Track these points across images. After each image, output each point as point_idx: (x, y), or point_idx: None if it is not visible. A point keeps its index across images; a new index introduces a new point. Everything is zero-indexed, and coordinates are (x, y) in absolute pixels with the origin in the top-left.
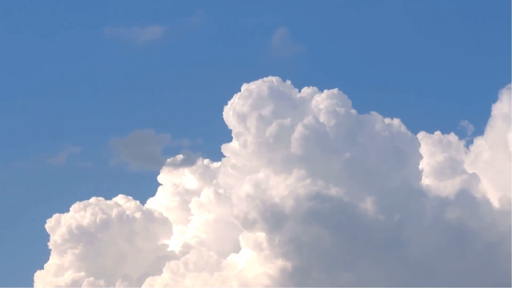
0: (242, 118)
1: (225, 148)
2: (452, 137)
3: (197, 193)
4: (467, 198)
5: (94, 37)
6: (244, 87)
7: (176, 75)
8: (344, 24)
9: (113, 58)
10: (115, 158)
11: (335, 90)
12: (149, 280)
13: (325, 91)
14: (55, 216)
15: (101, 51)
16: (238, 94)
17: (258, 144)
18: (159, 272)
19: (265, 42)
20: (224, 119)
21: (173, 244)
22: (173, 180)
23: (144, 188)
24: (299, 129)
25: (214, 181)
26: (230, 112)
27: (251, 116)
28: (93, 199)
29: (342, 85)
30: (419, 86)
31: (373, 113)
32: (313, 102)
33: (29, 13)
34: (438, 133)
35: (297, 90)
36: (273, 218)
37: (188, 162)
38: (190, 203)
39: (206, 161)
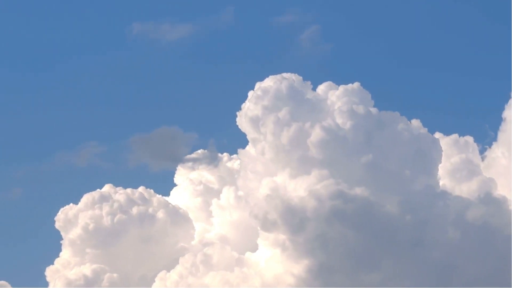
0: (256, 122)
1: (242, 153)
2: (468, 138)
3: (216, 192)
4: (488, 199)
5: (123, 33)
6: (257, 85)
7: (204, 73)
8: (373, 25)
9: (141, 54)
10: (136, 155)
11: (356, 85)
12: (162, 274)
13: (345, 86)
14: (64, 209)
15: (129, 47)
16: (250, 94)
17: (276, 149)
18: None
19: (294, 41)
20: (238, 125)
21: (193, 243)
22: (193, 178)
23: (166, 186)
24: (317, 132)
25: (234, 183)
26: (243, 119)
27: (267, 120)
28: (107, 187)
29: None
30: (439, 89)
31: (395, 113)
32: (332, 101)
33: (55, 8)
34: (455, 135)
35: (314, 92)
36: (293, 217)
37: (209, 161)
38: (202, 200)
39: (226, 156)
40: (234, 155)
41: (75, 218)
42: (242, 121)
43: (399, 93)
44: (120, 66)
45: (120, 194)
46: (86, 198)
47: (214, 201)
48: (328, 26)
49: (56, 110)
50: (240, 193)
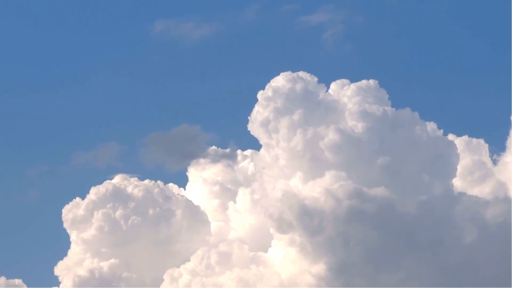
0: (268, 126)
1: (256, 156)
2: (479, 140)
3: (231, 193)
4: (506, 200)
5: (145, 31)
6: (268, 85)
7: (227, 72)
8: (396, 27)
9: (163, 52)
10: (153, 153)
11: (372, 82)
12: (171, 271)
13: (359, 83)
14: (71, 206)
15: (151, 45)
16: (260, 95)
17: (290, 153)
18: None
19: (316, 40)
20: (250, 131)
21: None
22: (206, 177)
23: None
24: (332, 135)
25: (249, 183)
26: (255, 125)
27: (278, 124)
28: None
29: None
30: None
31: (414, 113)
32: (347, 101)
33: (76, 5)
34: (466, 137)
35: (328, 93)
36: (310, 218)
37: (227, 163)
38: (216, 200)
39: (240, 154)
40: (248, 150)
41: (83, 217)
42: (253, 127)
43: (413, 94)
44: (142, 65)
45: (135, 187)
46: (93, 192)
47: (231, 204)
48: (351, 26)
49: (73, 109)
50: (256, 196)
